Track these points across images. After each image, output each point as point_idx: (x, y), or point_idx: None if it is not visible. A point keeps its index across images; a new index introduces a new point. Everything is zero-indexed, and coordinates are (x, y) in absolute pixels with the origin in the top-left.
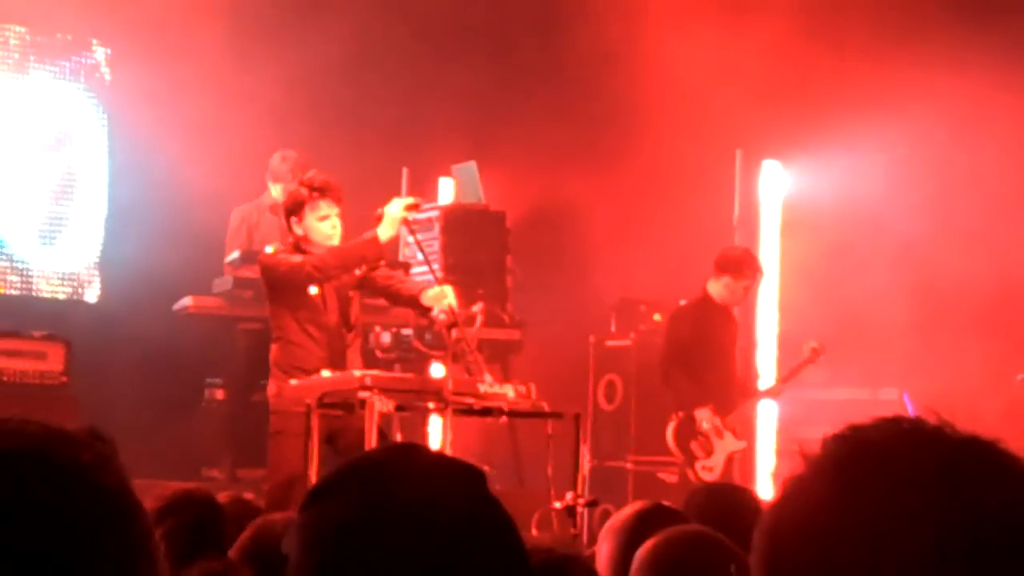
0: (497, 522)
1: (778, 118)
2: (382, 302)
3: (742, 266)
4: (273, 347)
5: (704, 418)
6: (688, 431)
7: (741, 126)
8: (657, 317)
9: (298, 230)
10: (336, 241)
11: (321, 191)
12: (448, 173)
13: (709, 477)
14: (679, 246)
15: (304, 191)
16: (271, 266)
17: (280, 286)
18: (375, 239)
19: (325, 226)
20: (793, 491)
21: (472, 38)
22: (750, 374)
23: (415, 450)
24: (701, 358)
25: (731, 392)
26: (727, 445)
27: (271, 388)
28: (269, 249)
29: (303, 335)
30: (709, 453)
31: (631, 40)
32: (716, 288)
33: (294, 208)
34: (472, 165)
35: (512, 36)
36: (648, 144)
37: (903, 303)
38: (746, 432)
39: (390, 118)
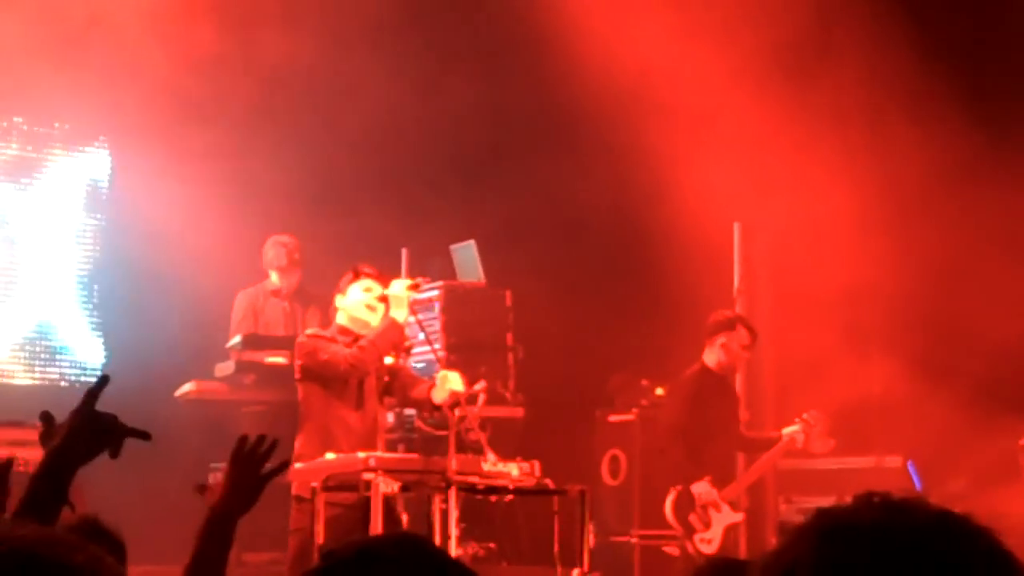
0: None
1: (774, 191)
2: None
3: (735, 323)
4: (300, 433)
5: (701, 491)
6: (686, 504)
7: (738, 199)
8: (660, 391)
9: (341, 304)
10: (375, 318)
11: (371, 274)
12: (447, 253)
13: (708, 549)
14: (681, 320)
15: (350, 274)
16: (311, 350)
17: (314, 372)
18: (395, 324)
19: (366, 297)
20: (778, 553)
21: (466, 118)
22: (758, 433)
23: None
24: (699, 430)
25: (729, 463)
26: (724, 518)
27: (295, 484)
28: (310, 332)
29: (336, 421)
30: (707, 526)
31: (626, 118)
32: (713, 355)
33: (341, 287)
34: (471, 244)
35: (508, 114)
36: (646, 219)
37: (904, 370)
38: (747, 502)
39: (388, 199)
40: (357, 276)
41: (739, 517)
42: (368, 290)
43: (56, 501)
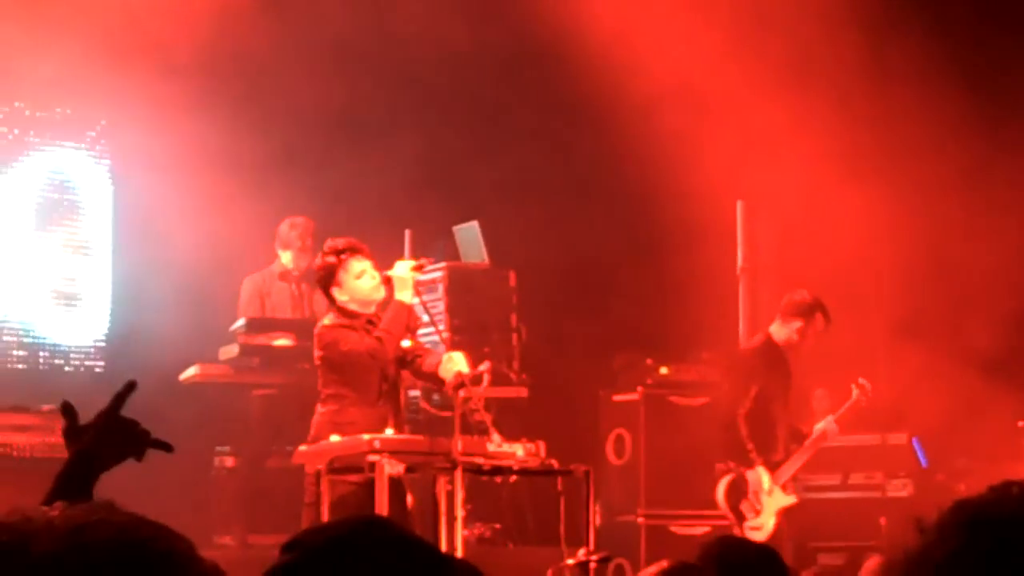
0: None
1: (778, 169)
2: None
3: (815, 310)
4: (320, 413)
5: (756, 479)
6: (739, 490)
7: (742, 178)
8: (664, 370)
9: (342, 296)
10: (381, 294)
11: (350, 250)
12: (451, 234)
13: (758, 537)
14: (685, 299)
15: (331, 258)
16: (331, 342)
17: (335, 361)
18: (404, 306)
19: (365, 282)
20: (923, 550)
21: (472, 98)
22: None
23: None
24: (761, 407)
25: (783, 445)
26: (776, 502)
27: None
28: (327, 321)
29: (354, 404)
30: (758, 512)
31: (632, 96)
32: (783, 333)
33: (328, 278)
34: (474, 225)
35: (512, 95)
36: (651, 198)
37: (905, 347)
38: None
39: (391, 181)
40: (339, 260)
41: (792, 500)
42: (362, 273)
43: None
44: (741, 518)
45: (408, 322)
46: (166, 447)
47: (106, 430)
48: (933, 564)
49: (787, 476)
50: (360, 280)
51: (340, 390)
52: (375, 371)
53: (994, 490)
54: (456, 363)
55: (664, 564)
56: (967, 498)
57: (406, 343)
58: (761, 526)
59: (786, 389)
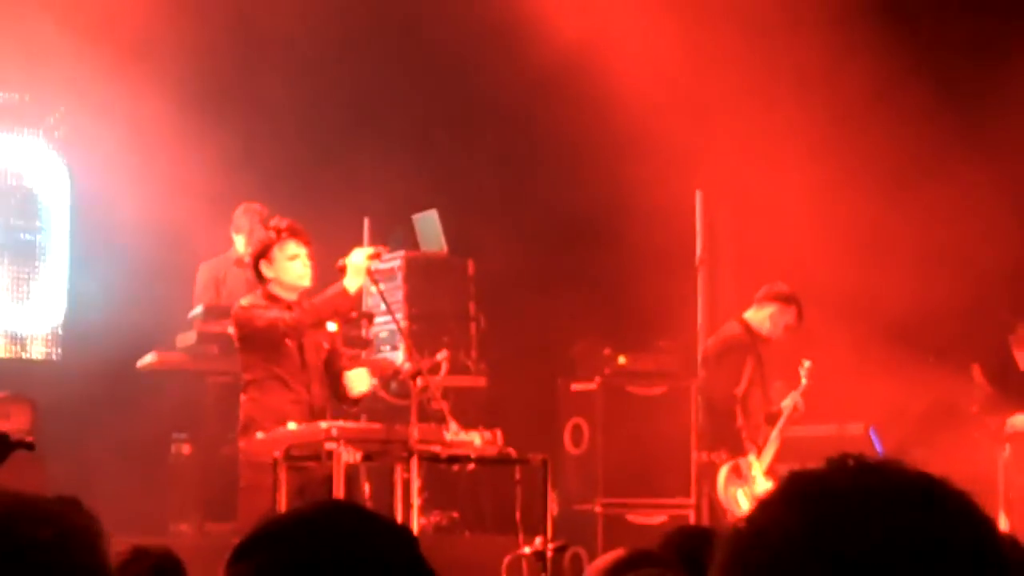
0: None
1: (736, 159)
2: (348, 351)
3: (791, 300)
4: (244, 400)
5: (752, 464)
6: (736, 478)
7: (700, 167)
8: (622, 360)
9: (268, 272)
10: (308, 281)
11: (290, 231)
12: (409, 222)
13: None
14: (643, 288)
15: (272, 234)
16: (246, 320)
17: (254, 340)
18: (344, 292)
19: (296, 266)
20: (750, 520)
21: (429, 86)
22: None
23: (346, 509)
24: (746, 394)
25: (762, 430)
26: (762, 489)
27: (242, 442)
28: (244, 302)
29: (279, 387)
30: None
31: (590, 82)
32: (757, 318)
33: (263, 251)
34: (433, 214)
35: (469, 82)
36: (608, 186)
37: (862, 336)
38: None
39: (349, 168)
40: (279, 237)
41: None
42: (295, 257)
43: None
44: (735, 506)
45: (339, 307)
46: (28, 446)
47: None
48: (755, 534)
49: (768, 460)
50: (291, 262)
51: (261, 373)
52: (295, 349)
53: (830, 463)
54: (357, 381)
55: (620, 552)
56: (801, 470)
57: (332, 327)
58: None
59: (763, 376)
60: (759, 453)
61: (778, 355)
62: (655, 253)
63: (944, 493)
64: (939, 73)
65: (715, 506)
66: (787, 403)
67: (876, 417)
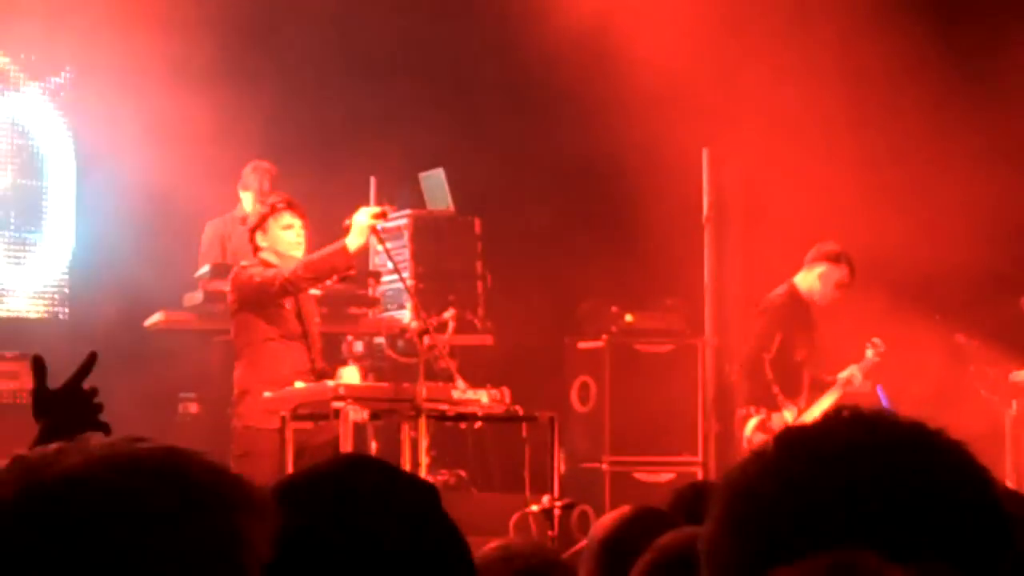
0: (446, 542)
1: (744, 117)
2: (355, 310)
3: (840, 258)
4: (239, 368)
5: (782, 422)
6: (766, 431)
7: (707, 125)
8: (629, 318)
9: (263, 242)
10: (301, 251)
11: (286, 204)
12: (416, 181)
13: None
14: (650, 246)
15: (266, 208)
16: (244, 281)
17: (251, 300)
18: (344, 249)
19: (290, 235)
20: (740, 472)
21: (435, 45)
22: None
23: (368, 463)
24: (786, 356)
25: (806, 394)
26: None
27: (238, 408)
28: (243, 263)
29: (277, 347)
30: None
31: (596, 41)
32: (807, 281)
33: (258, 222)
34: (440, 172)
35: (475, 40)
36: (615, 144)
37: (872, 295)
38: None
39: (356, 127)
40: (273, 210)
41: None
42: (289, 227)
43: None
44: None
45: (337, 264)
46: (105, 429)
47: (70, 403)
48: (745, 487)
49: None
50: (285, 232)
51: (259, 335)
52: (293, 313)
53: (825, 414)
54: (348, 378)
55: (626, 510)
56: (795, 424)
57: (328, 282)
58: None
59: (810, 340)
60: (799, 414)
61: (852, 330)
62: (662, 211)
63: (939, 444)
64: (952, 34)
65: (727, 461)
66: (844, 375)
67: (885, 377)
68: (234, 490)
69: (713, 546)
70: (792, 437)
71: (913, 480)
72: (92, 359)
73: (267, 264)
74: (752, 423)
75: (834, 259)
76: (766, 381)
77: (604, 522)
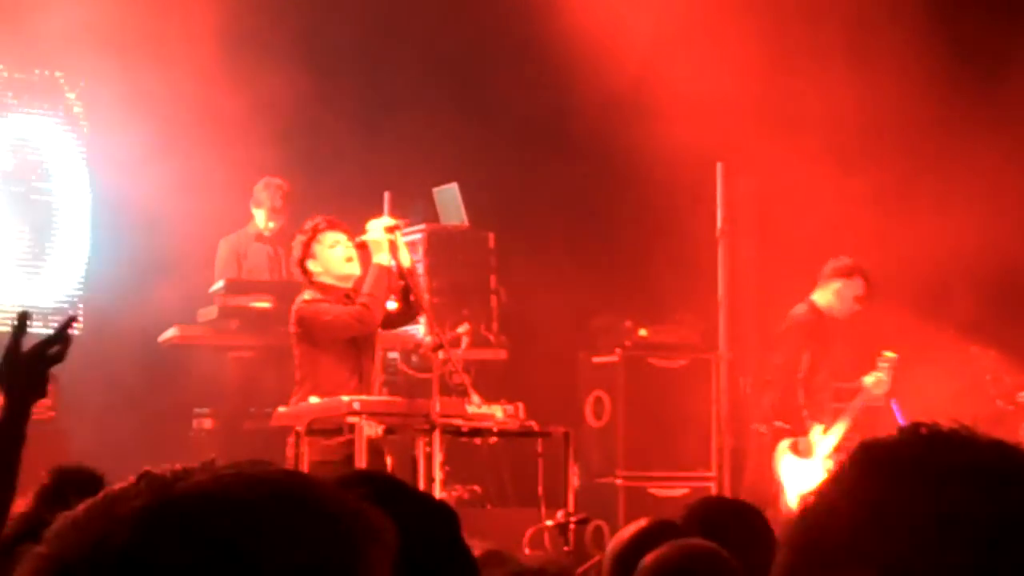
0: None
1: (757, 131)
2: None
3: (854, 272)
4: (300, 393)
5: (815, 443)
6: (795, 454)
7: (721, 139)
8: (643, 332)
9: (316, 268)
10: (356, 267)
11: (326, 223)
12: (430, 196)
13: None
14: (664, 261)
15: (306, 234)
16: (311, 317)
17: (318, 336)
18: (381, 268)
19: (339, 253)
20: (819, 492)
21: (451, 60)
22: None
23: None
24: (811, 374)
25: (829, 412)
26: (824, 469)
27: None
28: (306, 297)
29: (336, 381)
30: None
31: (612, 55)
32: (825, 298)
33: (305, 252)
34: (454, 187)
35: (491, 57)
36: (628, 159)
37: (885, 309)
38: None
39: (370, 142)
40: (315, 234)
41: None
42: (336, 244)
43: (18, 444)
44: (790, 482)
45: (389, 284)
46: (61, 343)
47: (16, 372)
48: (824, 506)
49: (838, 440)
50: (334, 250)
51: (314, 367)
52: (353, 341)
53: (902, 432)
54: None
55: (643, 523)
56: (872, 440)
57: (392, 305)
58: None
59: (830, 357)
60: (826, 431)
61: (867, 343)
62: (676, 225)
63: (1019, 463)
64: (960, 41)
65: (741, 476)
66: (870, 379)
67: (899, 390)
68: (359, 515)
69: (791, 570)
70: (870, 458)
71: (994, 502)
72: (69, 322)
73: (326, 288)
74: (784, 445)
75: (848, 274)
76: (797, 404)
77: (622, 536)
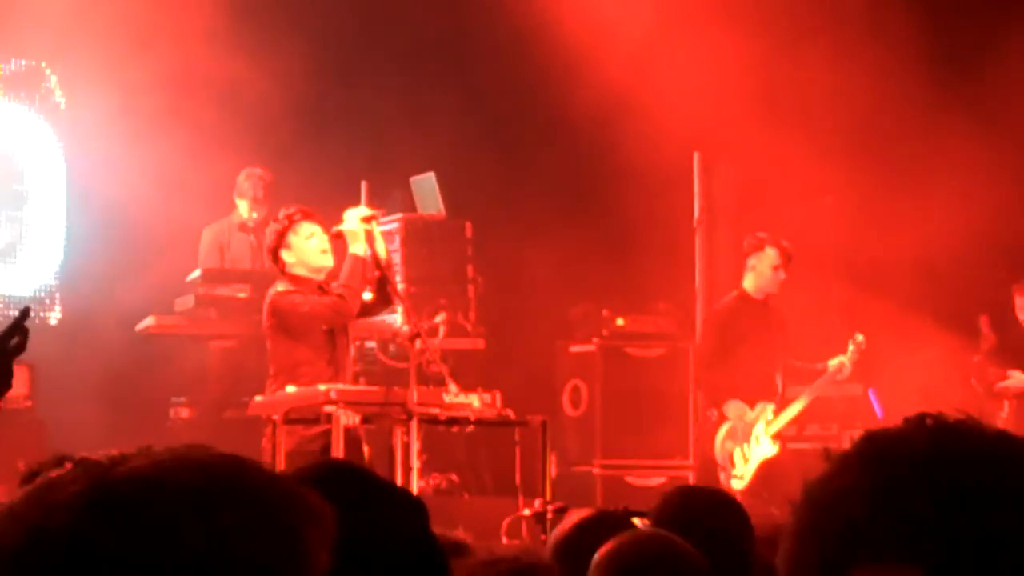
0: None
1: (734, 120)
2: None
3: (763, 243)
4: (274, 385)
5: (756, 424)
6: (735, 436)
7: (698, 129)
8: (620, 321)
9: (290, 258)
10: (330, 259)
11: (301, 213)
12: (407, 185)
13: (738, 487)
14: (641, 250)
15: (282, 223)
16: (287, 309)
17: (293, 327)
18: (357, 258)
19: (314, 244)
20: (822, 481)
21: (429, 50)
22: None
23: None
24: (735, 359)
25: (769, 391)
26: (762, 452)
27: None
28: (280, 288)
29: (312, 371)
30: (746, 461)
31: (588, 44)
32: (749, 280)
33: (279, 241)
34: (431, 176)
35: (470, 48)
36: (606, 148)
37: (862, 298)
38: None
39: (347, 131)
40: (291, 224)
41: (774, 452)
42: (311, 235)
43: None
44: (729, 465)
45: (364, 275)
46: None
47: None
48: (827, 496)
49: (785, 422)
50: (310, 241)
51: (290, 359)
52: (328, 332)
53: (907, 421)
54: None
55: (584, 513)
56: (876, 430)
57: (367, 295)
58: (743, 476)
59: (769, 337)
60: (776, 413)
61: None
62: (653, 214)
63: (1018, 453)
64: (940, 34)
65: (707, 463)
66: (833, 363)
67: (876, 379)
68: (296, 499)
69: (794, 560)
70: (875, 448)
71: (1000, 491)
72: (25, 314)
73: (299, 280)
74: (724, 429)
75: (757, 247)
76: (712, 383)
77: (563, 526)
